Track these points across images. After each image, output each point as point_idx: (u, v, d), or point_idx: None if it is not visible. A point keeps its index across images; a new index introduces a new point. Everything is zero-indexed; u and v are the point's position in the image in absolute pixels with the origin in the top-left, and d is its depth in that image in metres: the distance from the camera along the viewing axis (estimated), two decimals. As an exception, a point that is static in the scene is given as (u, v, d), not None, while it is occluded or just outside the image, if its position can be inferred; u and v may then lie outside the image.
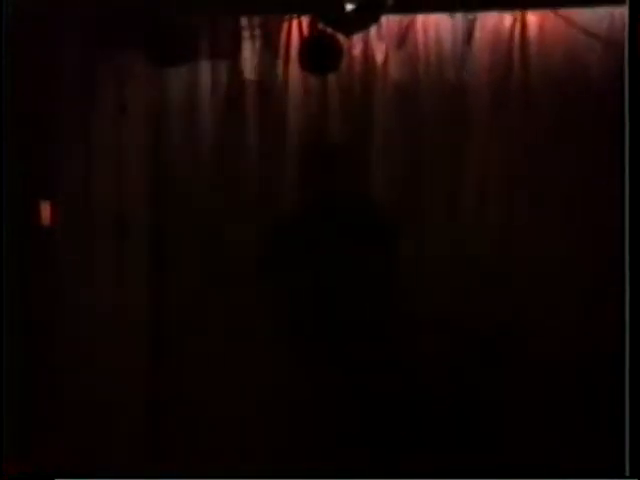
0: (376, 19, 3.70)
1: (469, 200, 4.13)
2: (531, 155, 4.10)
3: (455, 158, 4.09)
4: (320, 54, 3.83)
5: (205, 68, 4.12)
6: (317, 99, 4.01)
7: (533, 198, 4.16)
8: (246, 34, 4.07)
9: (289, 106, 4.02)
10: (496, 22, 3.94)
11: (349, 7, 3.50)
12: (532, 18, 3.91)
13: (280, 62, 3.99)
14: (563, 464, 4.36)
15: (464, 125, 4.05)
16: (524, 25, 3.93)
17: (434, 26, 3.96)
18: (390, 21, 3.90)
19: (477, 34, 3.96)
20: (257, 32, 4.04)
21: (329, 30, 3.76)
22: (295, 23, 3.97)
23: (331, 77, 3.95)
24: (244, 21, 4.05)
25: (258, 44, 4.06)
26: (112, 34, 4.17)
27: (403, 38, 4.00)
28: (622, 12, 3.67)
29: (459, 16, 3.92)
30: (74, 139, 4.45)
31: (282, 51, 3.97)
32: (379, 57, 4.01)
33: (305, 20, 3.94)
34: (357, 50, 3.98)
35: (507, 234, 4.19)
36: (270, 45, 4.01)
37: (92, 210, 4.42)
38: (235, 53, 4.12)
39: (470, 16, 3.91)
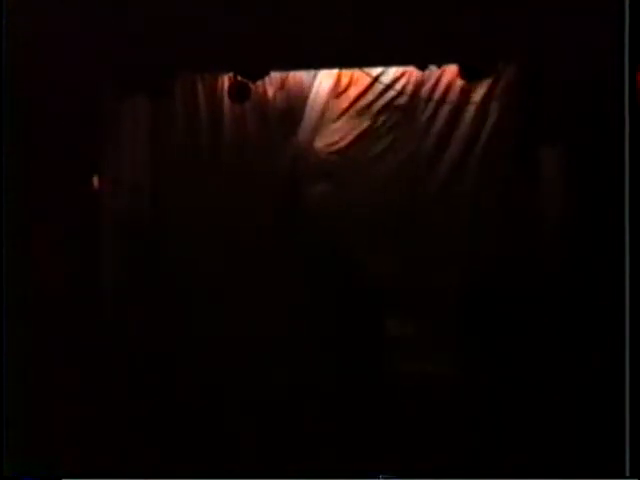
0: (267, 74, 6.05)
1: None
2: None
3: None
4: (239, 91, 6.11)
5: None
6: (239, 115, 6.33)
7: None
8: (200, 83, 6.37)
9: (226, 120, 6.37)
10: (329, 74, 6.29)
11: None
12: (347, 73, 6.24)
13: (219, 96, 6.33)
14: (563, 464, 4.28)
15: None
16: (341, 77, 6.32)
17: (298, 77, 6.35)
18: (275, 75, 6.23)
19: (317, 81, 6.35)
20: (206, 82, 6.34)
21: (243, 79, 6.03)
22: (226, 76, 6.20)
23: (246, 104, 6.24)
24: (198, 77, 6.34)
25: (206, 88, 6.38)
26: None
27: (283, 84, 6.36)
28: (413, 71, 6.02)
29: (310, 72, 6.27)
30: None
31: (219, 90, 6.31)
32: (270, 93, 6.39)
33: (231, 74, 6.08)
34: (259, 89, 6.28)
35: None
36: (214, 88, 6.35)
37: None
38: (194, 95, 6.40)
39: (313, 72, 6.26)
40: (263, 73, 6.06)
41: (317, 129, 6.37)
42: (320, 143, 6.38)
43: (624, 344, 3.61)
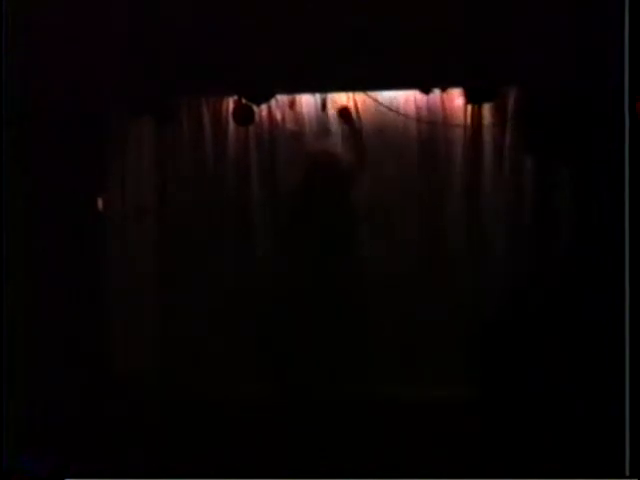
0: (273, 96, 6.00)
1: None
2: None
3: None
4: (243, 115, 6.07)
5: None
6: (243, 139, 6.43)
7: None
8: (205, 106, 6.47)
9: (229, 141, 6.46)
10: (339, 96, 6.31)
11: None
12: (357, 96, 6.31)
13: (224, 119, 6.41)
14: (564, 464, 4.23)
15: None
16: (355, 100, 6.33)
17: (305, 99, 6.36)
18: (282, 98, 6.28)
19: (328, 104, 6.39)
20: (211, 105, 6.44)
21: (247, 102, 5.96)
22: (231, 99, 6.21)
23: (250, 127, 6.29)
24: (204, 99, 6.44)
25: (212, 111, 6.48)
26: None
27: (292, 104, 6.38)
28: (415, 93, 6.07)
29: (317, 95, 6.30)
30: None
31: (224, 113, 6.38)
32: (278, 115, 6.44)
33: (235, 97, 6.06)
34: (263, 112, 6.35)
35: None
36: (219, 110, 6.43)
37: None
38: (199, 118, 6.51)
39: (322, 95, 6.30)
40: (268, 96, 5.96)
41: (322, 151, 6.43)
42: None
43: (624, 344, 3.60)
